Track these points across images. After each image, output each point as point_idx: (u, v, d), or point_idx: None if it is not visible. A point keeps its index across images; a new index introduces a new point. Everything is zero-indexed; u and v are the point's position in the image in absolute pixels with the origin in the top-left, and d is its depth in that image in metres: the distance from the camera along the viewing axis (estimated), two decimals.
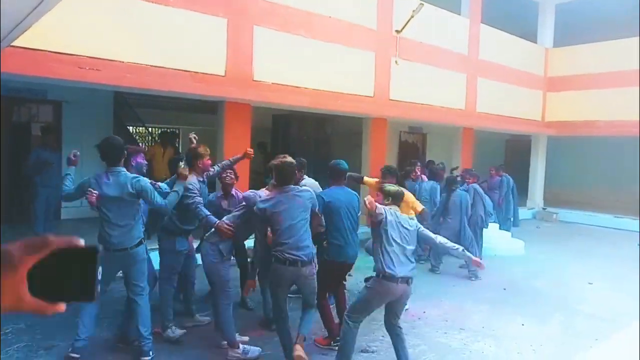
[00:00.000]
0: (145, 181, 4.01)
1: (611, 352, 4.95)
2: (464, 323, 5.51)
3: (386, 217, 3.92)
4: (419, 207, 5.47)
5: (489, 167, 11.13)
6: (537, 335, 5.23)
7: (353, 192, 4.93)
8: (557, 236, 11.77)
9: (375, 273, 4.01)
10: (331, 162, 5.02)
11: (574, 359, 4.74)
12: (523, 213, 14.15)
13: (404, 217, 4.03)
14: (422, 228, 4.12)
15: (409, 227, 3.99)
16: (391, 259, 3.84)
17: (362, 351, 4.65)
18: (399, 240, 3.89)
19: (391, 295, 3.92)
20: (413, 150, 13.85)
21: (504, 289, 6.94)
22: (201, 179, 4.70)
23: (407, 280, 3.88)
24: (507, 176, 10.74)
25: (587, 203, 15.08)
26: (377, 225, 3.93)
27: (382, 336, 5.01)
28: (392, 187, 4.28)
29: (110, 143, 4.02)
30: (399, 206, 4.14)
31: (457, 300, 6.37)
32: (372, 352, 4.67)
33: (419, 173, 8.19)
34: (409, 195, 5.13)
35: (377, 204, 4.01)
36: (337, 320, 4.81)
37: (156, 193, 4.03)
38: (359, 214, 4.96)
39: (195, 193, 4.48)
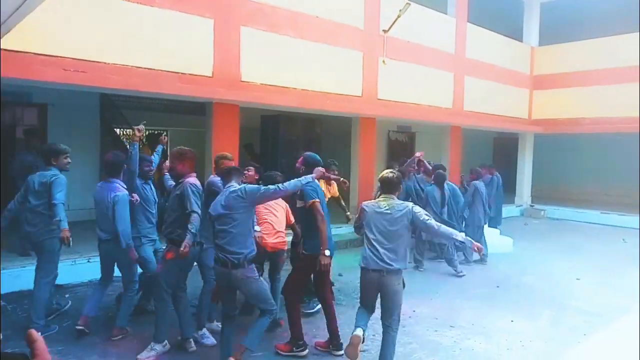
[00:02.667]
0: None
1: (600, 346, 5.00)
2: (454, 320, 5.53)
3: (366, 212, 4.01)
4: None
5: (481, 165, 11.18)
6: (526, 331, 5.27)
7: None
8: (545, 233, 11.88)
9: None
10: (305, 154, 4.79)
11: (563, 354, 4.78)
12: (511, 210, 14.29)
13: (384, 205, 3.96)
14: (418, 213, 3.90)
15: (390, 214, 3.91)
16: (369, 250, 3.91)
17: None
18: (375, 231, 3.90)
19: (369, 286, 3.99)
20: (402, 150, 13.89)
21: (497, 287, 6.98)
22: (143, 181, 4.81)
23: (380, 271, 3.86)
24: (497, 175, 10.82)
25: (574, 199, 15.26)
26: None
27: (373, 335, 5.02)
28: (383, 173, 4.20)
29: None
30: (391, 193, 4.06)
31: (447, 297, 6.40)
32: (363, 351, 4.67)
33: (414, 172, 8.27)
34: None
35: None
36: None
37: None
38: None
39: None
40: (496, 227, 10.31)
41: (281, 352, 4.46)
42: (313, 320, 5.34)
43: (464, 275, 7.49)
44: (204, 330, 4.79)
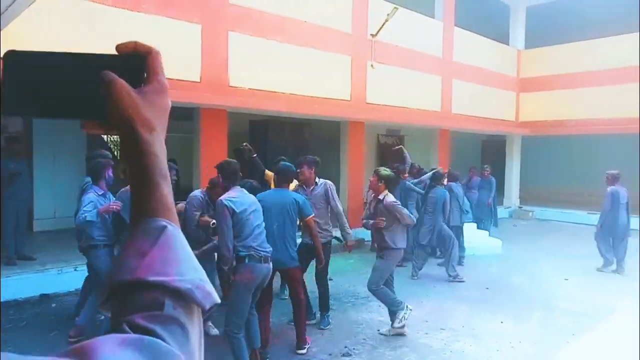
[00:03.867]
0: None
1: (588, 346, 5.05)
2: (445, 323, 5.55)
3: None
4: None
5: (472, 168, 11.28)
6: (515, 333, 5.30)
7: (295, 196, 4.66)
8: (534, 234, 11.98)
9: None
10: (280, 164, 4.84)
11: (552, 355, 4.82)
12: (500, 212, 14.35)
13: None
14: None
15: None
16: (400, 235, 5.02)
17: (343, 355, 4.65)
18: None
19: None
20: (392, 153, 13.91)
21: (487, 288, 7.01)
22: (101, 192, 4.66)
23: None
24: (492, 177, 10.93)
25: (562, 200, 15.41)
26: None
27: (364, 339, 5.04)
28: (385, 171, 4.97)
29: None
30: (390, 190, 4.94)
31: (438, 300, 6.42)
32: (353, 355, 4.67)
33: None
34: None
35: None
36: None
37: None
38: (304, 218, 4.68)
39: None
40: (488, 229, 10.39)
41: None
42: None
43: (459, 279, 7.43)
44: (209, 322, 4.97)
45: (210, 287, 0.52)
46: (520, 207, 15.26)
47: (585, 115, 13.79)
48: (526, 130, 14.95)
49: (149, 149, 0.56)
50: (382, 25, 10.14)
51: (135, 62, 0.58)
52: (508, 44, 15.06)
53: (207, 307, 0.51)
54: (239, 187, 4.13)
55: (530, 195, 15.97)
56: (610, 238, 8.08)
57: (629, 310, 6.08)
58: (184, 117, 10.75)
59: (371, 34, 10.29)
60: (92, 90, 0.56)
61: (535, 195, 16.04)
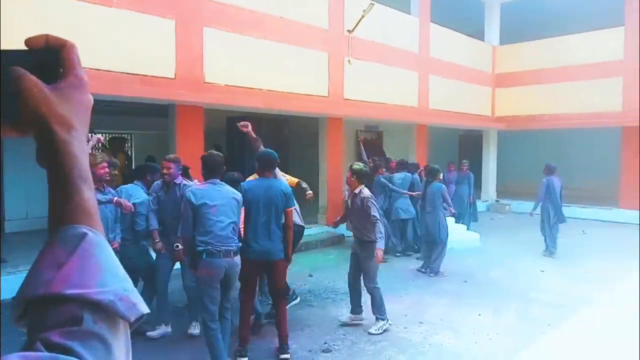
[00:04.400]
0: None
1: (564, 336, 5.14)
2: (423, 317, 5.59)
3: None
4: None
5: (449, 161, 11.39)
6: (493, 325, 5.36)
7: (282, 186, 4.50)
8: (511, 227, 12.17)
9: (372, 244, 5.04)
10: (260, 151, 4.77)
11: (529, 345, 4.89)
12: (478, 205, 14.53)
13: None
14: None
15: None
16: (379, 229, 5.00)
17: (323, 351, 4.63)
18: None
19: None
20: (370, 148, 13.97)
21: (465, 282, 7.08)
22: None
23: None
24: (470, 172, 11.03)
25: (536, 194, 15.64)
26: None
27: (344, 335, 5.03)
28: (357, 166, 5.13)
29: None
30: (363, 184, 5.13)
31: (416, 294, 6.46)
32: (333, 351, 4.66)
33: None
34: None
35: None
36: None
37: None
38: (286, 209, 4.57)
39: None
40: (467, 224, 10.50)
41: None
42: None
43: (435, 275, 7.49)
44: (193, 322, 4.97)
45: (136, 297, 0.49)
46: (497, 201, 15.47)
47: (560, 109, 14.05)
48: (502, 125, 15.16)
49: (67, 149, 0.52)
50: (359, 21, 10.13)
51: (49, 57, 0.54)
52: (483, 40, 15.22)
53: (132, 319, 0.48)
54: (217, 180, 4.05)
55: (507, 189, 16.21)
56: (546, 223, 8.83)
57: (605, 301, 6.22)
58: (159, 114, 10.61)
59: (348, 30, 10.28)
60: (2, 89, 0.52)
61: (512, 189, 16.29)
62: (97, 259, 0.48)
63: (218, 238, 3.90)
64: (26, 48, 0.54)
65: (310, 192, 5.94)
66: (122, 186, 5.11)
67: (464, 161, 11.23)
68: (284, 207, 4.42)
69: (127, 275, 0.51)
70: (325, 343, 4.79)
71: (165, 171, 4.81)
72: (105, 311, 0.46)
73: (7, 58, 0.52)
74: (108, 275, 0.48)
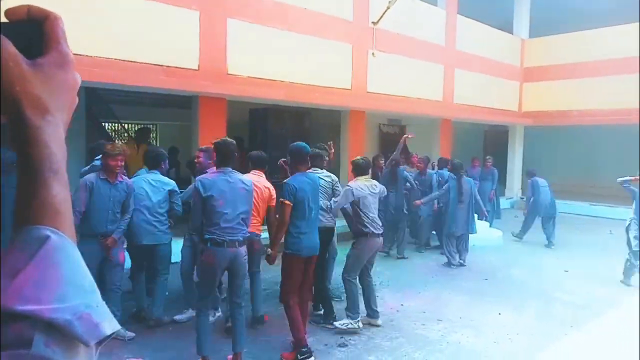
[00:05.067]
0: None
1: (586, 338, 5.01)
2: (442, 314, 5.52)
3: (355, 194, 4.90)
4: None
5: (473, 157, 11.22)
6: (513, 324, 5.27)
7: (316, 177, 4.59)
8: (535, 225, 11.88)
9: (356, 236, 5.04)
10: (291, 145, 4.53)
11: (550, 346, 4.79)
12: (502, 202, 14.29)
13: (370, 184, 5.08)
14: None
15: (375, 192, 5.06)
16: (371, 221, 4.91)
17: (339, 345, 4.63)
18: (372, 206, 4.97)
19: (374, 249, 5.03)
20: (393, 142, 13.84)
21: (485, 279, 6.98)
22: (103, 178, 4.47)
23: (381, 234, 5.09)
24: (494, 168, 10.93)
25: (564, 191, 15.27)
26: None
27: (360, 330, 5.00)
28: (357, 159, 5.17)
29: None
30: (364, 175, 5.11)
31: (435, 291, 6.39)
32: (349, 346, 4.65)
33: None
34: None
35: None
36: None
37: None
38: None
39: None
40: (490, 221, 10.34)
41: None
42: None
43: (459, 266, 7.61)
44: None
45: (99, 316, 0.42)
46: (522, 198, 15.16)
47: (589, 105, 13.65)
48: (529, 120, 14.82)
49: (38, 136, 0.46)
50: (384, 12, 9.99)
51: (30, 30, 0.48)
52: (512, 33, 14.86)
53: (92, 342, 0.42)
54: (228, 169, 3.99)
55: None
56: (540, 218, 9.54)
57: (629, 303, 6.04)
58: (183, 105, 10.72)
59: (372, 22, 10.15)
60: None
61: None
62: (59, 267, 0.42)
63: (223, 229, 3.87)
64: (6, 20, 0.48)
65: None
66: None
67: (488, 157, 11.04)
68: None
69: (95, 286, 0.45)
70: (342, 337, 4.78)
71: (195, 160, 5.18)
72: (62, 332, 0.40)
73: None
74: (69, 288, 0.42)
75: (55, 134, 0.47)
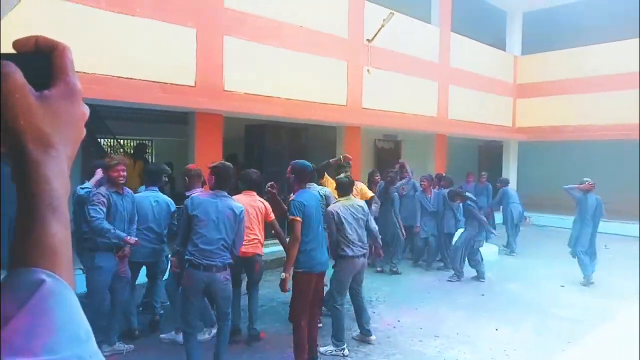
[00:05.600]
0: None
1: (583, 353, 5.00)
2: (439, 330, 5.50)
3: (339, 215, 4.71)
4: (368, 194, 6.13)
5: (468, 172, 11.29)
6: (510, 340, 5.25)
7: (317, 193, 4.65)
8: (531, 240, 11.93)
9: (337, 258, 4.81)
10: (293, 162, 4.55)
11: None
12: (497, 217, 14.32)
13: (350, 204, 4.85)
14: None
15: (356, 213, 4.83)
16: (350, 243, 4.72)
17: None
18: (353, 227, 4.76)
19: (355, 270, 4.84)
20: (388, 158, 13.90)
21: (482, 295, 6.97)
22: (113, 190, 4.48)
23: (363, 255, 4.88)
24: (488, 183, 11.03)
25: (559, 206, 15.34)
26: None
27: (357, 347, 4.98)
28: (342, 178, 5.02)
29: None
30: (347, 195, 4.91)
31: (432, 306, 6.37)
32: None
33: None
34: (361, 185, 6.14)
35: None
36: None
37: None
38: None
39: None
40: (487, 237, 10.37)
41: None
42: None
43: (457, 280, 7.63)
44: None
45: None
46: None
47: (582, 121, 13.79)
48: (523, 136, 14.94)
49: (38, 171, 0.44)
50: (379, 30, 10.12)
51: (38, 62, 0.47)
52: (505, 50, 15.07)
53: None
54: (223, 192, 4.03)
55: (527, 201, 15.89)
56: (506, 226, 10.23)
57: (626, 317, 6.04)
58: (179, 121, 10.76)
59: (367, 39, 10.28)
60: None
61: (533, 201, 15.99)
62: (52, 314, 0.40)
63: (202, 251, 3.86)
64: (14, 51, 0.47)
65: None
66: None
67: (483, 173, 11.14)
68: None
69: (90, 334, 0.42)
70: (337, 353, 4.74)
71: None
72: None
73: None
74: (61, 338, 0.40)
75: (57, 170, 0.45)
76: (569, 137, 14.23)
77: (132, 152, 10.83)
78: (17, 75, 0.44)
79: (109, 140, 13.40)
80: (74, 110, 0.48)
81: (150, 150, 13.99)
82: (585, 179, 8.12)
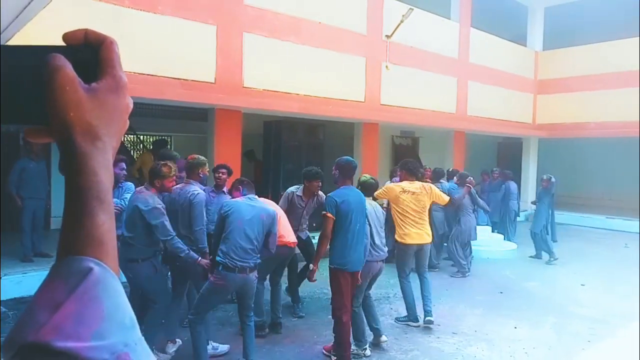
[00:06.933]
0: None
1: (604, 353, 4.95)
2: (457, 327, 5.50)
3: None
4: (444, 199, 5.88)
5: (486, 169, 11.17)
6: (529, 338, 5.22)
7: (361, 193, 4.59)
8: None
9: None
10: (338, 159, 4.58)
11: None
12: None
13: (371, 208, 4.72)
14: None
15: (378, 216, 4.83)
16: (373, 245, 4.67)
17: (353, 357, 4.62)
18: (373, 231, 4.70)
19: (370, 275, 4.76)
20: (406, 154, 13.85)
21: (501, 293, 6.93)
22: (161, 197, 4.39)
23: (382, 260, 4.85)
24: (507, 182, 10.81)
25: (580, 204, 15.15)
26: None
27: (375, 342, 4.99)
28: (368, 179, 4.88)
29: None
30: (371, 196, 4.86)
31: (449, 304, 6.35)
32: (364, 358, 4.64)
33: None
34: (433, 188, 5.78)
35: None
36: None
37: None
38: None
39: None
40: (503, 233, 10.27)
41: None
42: (314, 326, 5.32)
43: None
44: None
45: (137, 356, 0.41)
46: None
47: (604, 117, 13.55)
48: (543, 132, 14.74)
49: (86, 163, 0.45)
50: (397, 26, 10.08)
51: (87, 55, 0.48)
52: (525, 45, 14.86)
53: None
54: (253, 196, 4.18)
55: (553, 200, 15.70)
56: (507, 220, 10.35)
57: None
58: (199, 118, 10.88)
59: (386, 35, 10.25)
60: (35, 88, 0.46)
61: (553, 198, 15.79)
62: (100, 301, 0.41)
63: (237, 251, 3.89)
64: (64, 44, 0.48)
65: None
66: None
67: (495, 169, 11.03)
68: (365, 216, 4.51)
69: (135, 321, 0.43)
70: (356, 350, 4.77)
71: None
72: None
73: (43, 53, 0.46)
74: (109, 324, 0.41)
75: (104, 161, 0.46)
76: (590, 134, 14.00)
77: (151, 147, 10.98)
78: (67, 68, 0.45)
79: (129, 136, 13.61)
80: (120, 102, 0.49)
81: (169, 147, 14.16)
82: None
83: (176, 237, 4.07)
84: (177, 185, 4.43)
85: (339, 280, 4.30)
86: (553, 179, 9.39)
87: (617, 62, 13.28)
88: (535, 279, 7.75)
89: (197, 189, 4.40)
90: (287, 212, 5.28)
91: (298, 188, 5.55)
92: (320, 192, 5.45)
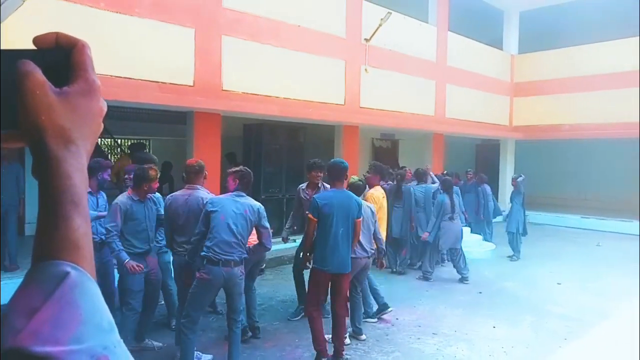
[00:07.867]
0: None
1: (580, 351, 5.05)
2: (437, 328, 5.55)
3: None
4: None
5: (467, 171, 11.30)
6: (508, 337, 5.30)
7: (353, 195, 4.56)
8: (527, 238, 11.96)
9: None
10: (331, 160, 4.67)
11: (545, 359, 4.82)
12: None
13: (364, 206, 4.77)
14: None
15: (371, 219, 4.97)
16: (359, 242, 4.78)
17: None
18: (364, 229, 4.79)
19: (355, 270, 4.82)
20: (386, 156, 13.94)
21: (480, 293, 7.02)
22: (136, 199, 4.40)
23: (367, 257, 5.01)
24: (483, 185, 10.90)
25: (556, 205, 15.46)
26: None
27: (356, 344, 5.02)
28: (356, 181, 4.98)
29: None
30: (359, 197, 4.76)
31: (430, 305, 6.41)
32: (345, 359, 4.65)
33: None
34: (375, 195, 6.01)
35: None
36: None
37: None
38: (356, 220, 4.53)
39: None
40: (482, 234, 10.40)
41: None
42: (295, 329, 5.30)
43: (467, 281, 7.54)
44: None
45: (116, 358, 0.41)
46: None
47: (579, 119, 13.87)
48: (520, 134, 15.01)
49: (60, 167, 0.45)
50: (376, 29, 10.16)
51: (58, 58, 0.48)
52: (502, 49, 15.13)
53: None
54: (243, 193, 4.16)
55: (524, 199, 15.98)
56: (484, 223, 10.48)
57: (622, 315, 6.10)
58: (177, 121, 10.76)
59: (365, 39, 10.32)
60: (5, 93, 0.45)
61: (529, 199, 16.02)
62: (77, 305, 0.41)
63: (221, 245, 3.92)
64: (34, 48, 0.48)
65: None
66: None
67: (469, 170, 11.18)
68: (355, 219, 4.45)
69: (113, 324, 0.43)
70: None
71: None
72: None
73: (13, 58, 0.45)
74: (87, 328, 0.40)
75: (77, 165, 0.46)
76: (565, 135, 14.31)
77: (128, 151, 10.84)
78: (37, 73, 0.45)
79: (107, 139, 13.40)
80: (93, 105, 0.49)
81: (148, 150, 13.98)
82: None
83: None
84: (179, 191, 4.56)
85: (317, 279, 4.42)
86: (520, 178, 9.66)
87: (590, 65, 13.62)
88: (513, 278, 7.88)
89: (206, 195, 4.46)
90: (299, 207, 5.58)
91: (305, 183, 5.77)
92: (325, 184, 5.42)
